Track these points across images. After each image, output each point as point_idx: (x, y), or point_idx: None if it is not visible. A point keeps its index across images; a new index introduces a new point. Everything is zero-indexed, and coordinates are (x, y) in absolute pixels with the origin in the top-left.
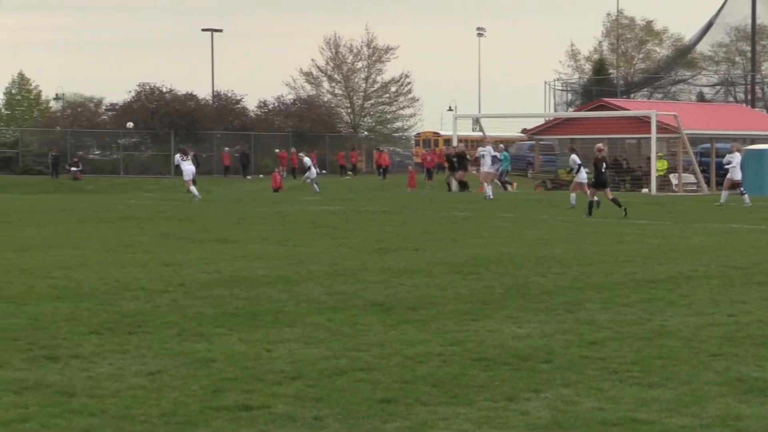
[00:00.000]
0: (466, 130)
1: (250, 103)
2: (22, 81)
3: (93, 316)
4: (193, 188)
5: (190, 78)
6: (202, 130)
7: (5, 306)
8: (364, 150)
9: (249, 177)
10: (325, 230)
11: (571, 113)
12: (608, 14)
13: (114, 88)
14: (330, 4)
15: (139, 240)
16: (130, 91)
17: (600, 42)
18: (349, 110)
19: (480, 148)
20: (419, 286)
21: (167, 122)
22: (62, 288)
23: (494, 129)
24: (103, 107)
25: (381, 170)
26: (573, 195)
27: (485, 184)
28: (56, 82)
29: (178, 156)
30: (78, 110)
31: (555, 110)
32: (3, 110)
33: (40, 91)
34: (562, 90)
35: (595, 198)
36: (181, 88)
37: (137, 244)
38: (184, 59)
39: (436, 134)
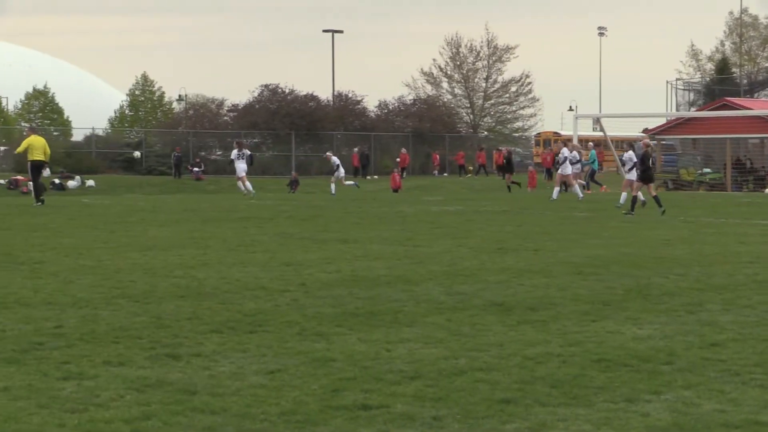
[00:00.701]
0: (587, 130)
1: (370, 104)
2: (145, 82)
3: (214, 315)
4: (248, 184)
5: (311, 79)
6: (322, 131)
7: (129, 305)
8: (484, 150)
9: (369, 177)
10: (445, 230)
11: (694, 113)
12: (730, 13)
13: (236, 89)
14: (450, 3)
15: (259, 240)
16: (252, 91)
17: (722, 41)
18: (468, 110)
19: (563, 150)
20: (539, 286)
21: (288, 123)
22: (184, 287)
23: (615, 129)
24: (225, 108)
25: (500, 170)
26: (624, 194)
27: (567, 185)
28: (179, 83)
29: (235, 151)
30: (200, 111)
31: (677, 110)
32: (127, 111)
33: (164, 92)
34: (684, 89)
35: (641, 196)
36: (302, 89)
37: (258, 243)
38: (305, 60)
39: (557, 134)
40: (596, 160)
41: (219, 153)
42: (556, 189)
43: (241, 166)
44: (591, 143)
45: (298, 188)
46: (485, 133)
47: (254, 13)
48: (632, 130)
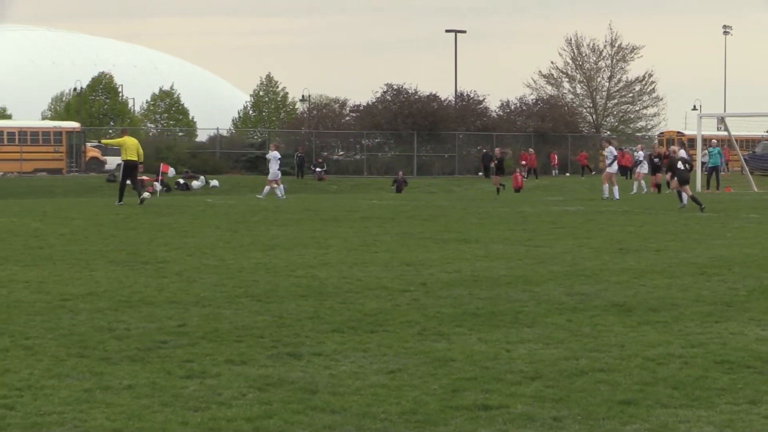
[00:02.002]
0: (711, 130)
1: (492, 104)
2: (269, 83)
3: (335, 314)
4: (281, 187)
5: (433, 79)
6: (444, 131)
7: (251, 304)
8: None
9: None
10: (567, 230)
11: None
12: None
13: (358, 90)
14: (572, 3)
15: (380, 239)
16: (376, 92)
17: None
18: (591, 110)
19: (608, 148)
20: (660, 287)
21: (410, 123)
22: (306, 286)
23: (740, 128)
24: (347, 108)
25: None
26: (605, 186)
27: (606, 184)
28: (302, 83)
29: (274, 153)
30: (323, 111)
31: None
32: (250, 112)
33: (287, 92)
34: None
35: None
36: (425, 89)
37: (379, 243)
38: (428, 60)
39: (680, 134)
40: (722, 159)
41: (341, 153)
42: (605, 186)
43: (275, 170)
44: (714, 141)
45: (405, 188)
46: (608, 132)
47: (378, 12)
48: (758, 129)
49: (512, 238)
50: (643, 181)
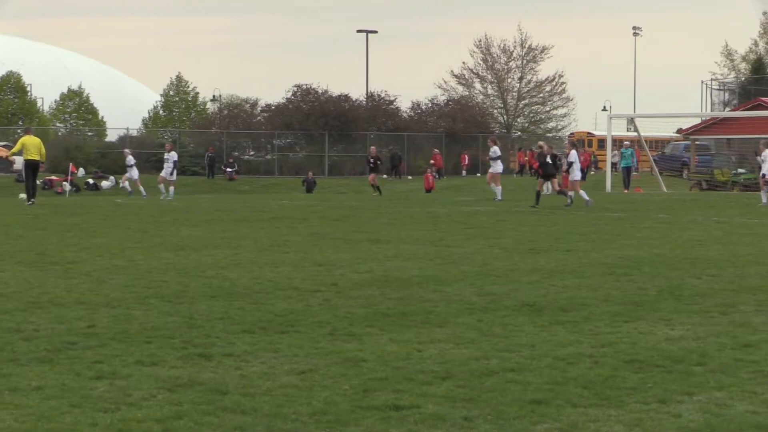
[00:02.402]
0: (621, 130)
1: (403, 104)
2: (180, 83)
3: (246, 315)
4: (171, 188)
5: (346, 79)
6: (355, 131)
7: (161, 305)
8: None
9: (401, 178)
10: (477, 231)
11: (728, 113)
12: (765, 13)
13: (269, 90)
14: (481, 4)
15: (291, 240)
16: (287, 92)
17: (756, 41)
18: (502, 110)
19: (492, 148)
20: (571, 287)
21: (321, 123)
22: (216, 287)
23: (649, 129)
24: (259, 108)
25: (533, 171)
26: (493, 186)
27: (492, 184)
28: (213, 83)
29: (172, 153)
30: (234, 111)
31: (711, 110)
32: (161, 112)
33: (197, 92)
34: (718, 89)
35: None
36: (336, 89)
37: (290, 243)
38: (339, 61)
39: (590, 134)
40: (634, 160)
41: (252, 153)
42: (494, 187)
43: (170, 170)
44: (627, 142)
45: (315, 189)
46: (518, 133)
47: (289, 14)
48: (667, 130)
49: (423, 238)
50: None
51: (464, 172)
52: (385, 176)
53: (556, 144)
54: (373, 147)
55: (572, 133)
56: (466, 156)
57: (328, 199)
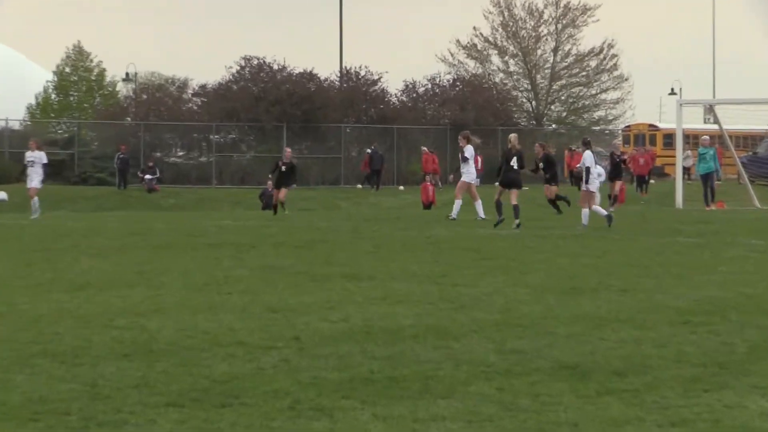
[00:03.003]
0: (696, 122)
1: (392, 85)
2: (79, 55)
3: (171, 381)
4: (35, 201)
5: (310, 51)
6: (325, 122)
7: (53, 367)
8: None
9: (380, 189)
10: (496, 262)
11: None
12: None
13: (204, 65)
14: None
15: (236, 275)
16: (229, 68)
17: None
18: (529, 94)
19: (466, 147)
20: (628, 341)
21: (278, 111)
22: (130, 342)
23: (735, 120)
24: (190, 91)
25: (573, 178)
26: (585, 211)
27: (459, 199)
28: (126, 57)
29: (36, 154)
30: (155, 95)
31: None
32: (53, 96)
33: (104, 69)
34: None
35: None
36: (298, 64)
37: (234, 280)
38: (302, 26)
39: (653, 127)
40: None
41: (181, 154)
42: (457, 202)
43: (36, 174)
44: (706, 137)
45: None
46: (552, 126)
47: None
48: (760, 121)
49: (421, 272)
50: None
51: (477, 180)
52: (360, 186)
53: (604, 141)
54: (288, 149)
55: (628, 126)
56: (479, 158)
57: (288, 219)
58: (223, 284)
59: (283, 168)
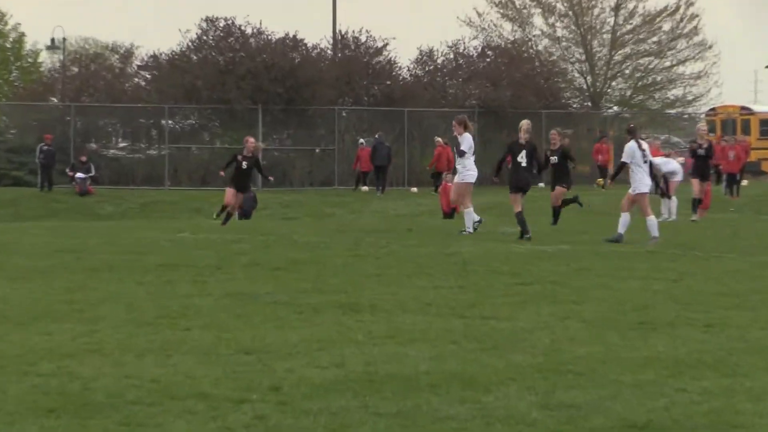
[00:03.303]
0: None
1: (402, 55)
2: None
3: None
4: None
5: (294, 10)
6: (314, 104)
7: None
8: (612, 139)
9: (391, 190)
10: (540, 288)
11: None
12: None
13: (154, 29)
14: None
15: (197, 305)
16: (186, 32)
17: None
18: (584, 66)
19: (463, 135)
20: (714, 392)
21: (251, 90)
22: (57, 394)
23: None
24: (135, 63)
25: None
26: (623, 217)
27: (466, 209)
28: (51, 18)
29: None
30: (89, 69)
31: None
32: None
33: (23, 34)
34: None
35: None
36: (278, 28)
37: (194, 313)
38: None
39: (747, 110)
40: None
41: (124, 145)
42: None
43: None
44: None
45: (254, 213)
46: (613, 108)
47: None
48: None
49: (440, 302)
50: (674, 200)
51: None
52: (365, 188)
53: (682, 129)
54: (251, 139)
55: (713, 109)
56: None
57: (263, 229)
58: (179, 317)
59: (244, 165)
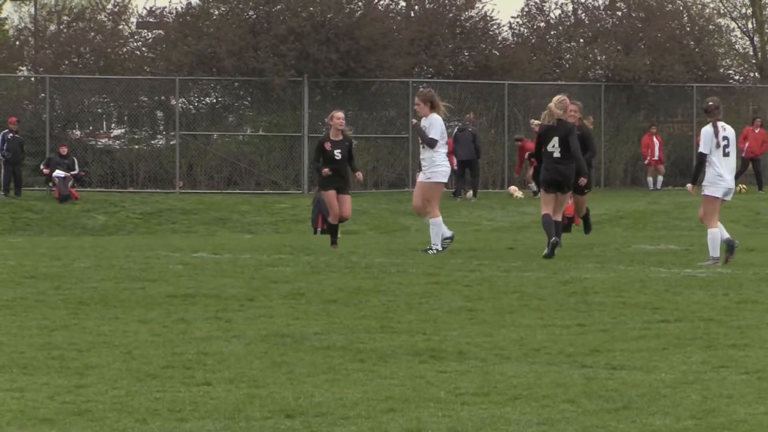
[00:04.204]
0: None
1: (502, 7)
2: None
3: None
4: None
5: None
6: (381, 77)
7: None
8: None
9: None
10: (687, 326)
11: None
12: None
13: None
14: None
15: (219, 351)
16: None
17: None
18: (748, 24)
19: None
20: None
21: (294, 57)
22: None
23: None
24: (134, 20)
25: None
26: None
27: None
28: None
29: None
30: (71, 28)
31: None
32: None
33: None
34: None
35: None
36: None
37: (216, 361)
38: None
39: None
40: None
41: (120, 131)
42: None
43: None
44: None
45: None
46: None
47: None
48: None
49: (552, 346)
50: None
51: (654, 182)
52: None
53: None
54: (339, 114)
55: None
56: (655, 139)
57: (310, 247)
58: (195, 368)
59: (337, 154)
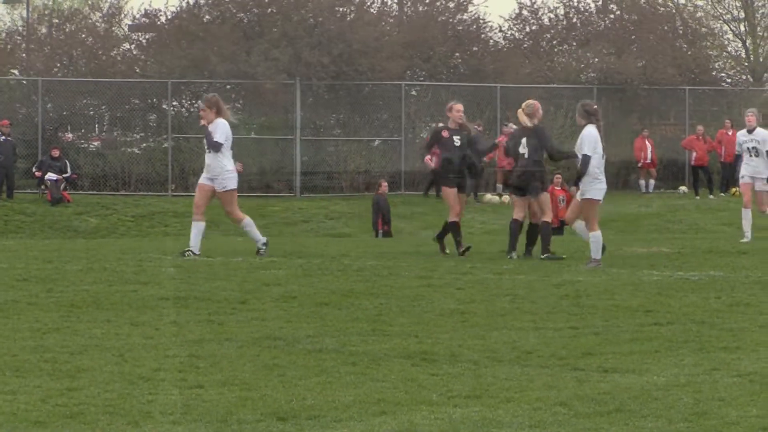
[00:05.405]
0: None
1: (494, 11)
2: None
3: None
4: None
5: None
6: (374, 79)
7: None
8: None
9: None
10: (680, 329)
11: None
12: None
13: None
14: None
15: (211, 354)
16: None
17: None
18: (740, 27)
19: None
20: None
21: (287, 60)
22: None
23: None
24: (127, 22)
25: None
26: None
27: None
28: None
29: None
30: (64, 30)
31: None
32: None
33: None
34: None
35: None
36: None
37: (209, 364)
38: None
39: None
40: None
41: (111, 136)
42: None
43: None
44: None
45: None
46: None
47: None
48: None
49: (544, 348)
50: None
51: (648, 184)
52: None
53: None
54: (456, 105)
55: None
56: (647, 141)
57: (303, 250)
58: (187, 371)
59: (457, 140)
